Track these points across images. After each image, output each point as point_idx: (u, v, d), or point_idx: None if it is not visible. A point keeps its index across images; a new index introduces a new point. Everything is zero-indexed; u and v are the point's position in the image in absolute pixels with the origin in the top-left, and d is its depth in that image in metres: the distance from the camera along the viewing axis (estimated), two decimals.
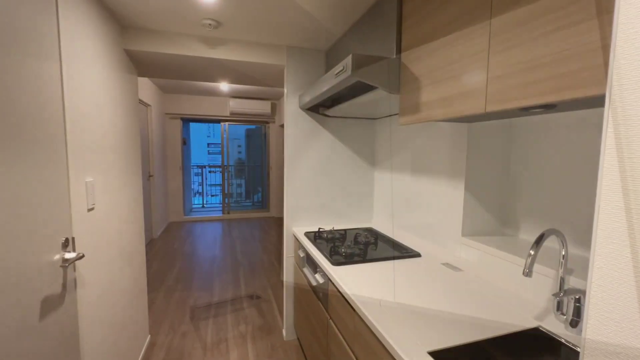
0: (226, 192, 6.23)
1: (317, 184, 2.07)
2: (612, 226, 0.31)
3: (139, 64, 2.04)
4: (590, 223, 1.05)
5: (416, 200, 1.71)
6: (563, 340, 0.86)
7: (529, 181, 1.29)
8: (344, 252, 1.49)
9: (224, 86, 4.71)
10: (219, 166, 6.25)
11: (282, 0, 1.43)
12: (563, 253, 0.90)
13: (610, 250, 0.31)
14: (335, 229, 1.98)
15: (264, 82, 2.57)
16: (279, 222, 5.85)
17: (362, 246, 1.61)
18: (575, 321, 0.87)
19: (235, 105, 5.48)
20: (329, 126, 2.07)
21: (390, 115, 1.96)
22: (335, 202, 2.12)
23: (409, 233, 1.77)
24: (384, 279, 1.22)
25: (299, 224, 2.06)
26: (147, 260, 3.67)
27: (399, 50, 1.25)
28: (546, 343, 0.89)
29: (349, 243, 1.66)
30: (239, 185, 7.85)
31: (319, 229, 1.86)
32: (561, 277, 0.90)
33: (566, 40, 0.62)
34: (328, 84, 1.41)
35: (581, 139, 1.07)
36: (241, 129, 7.94)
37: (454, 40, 0.94)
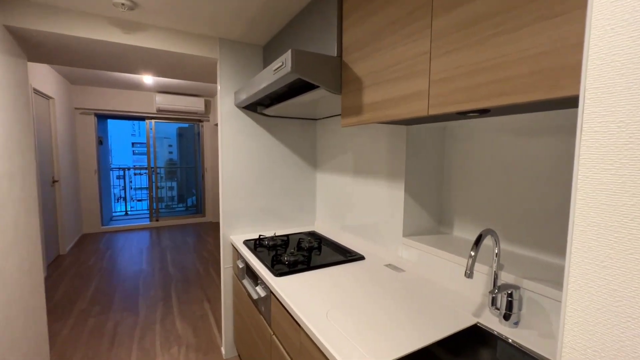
0: (154, 196, 5.62)
1: (256, 187, 1.94)
2: (589, 245, 0.29)
3: (28, 46, 1.66)
4: (518, 221, 1.14)
5: (358, 202, 1.70)
6: (495, 333, 0.90)
7: (460, 181, 1.36)
8: (286, 261, 1.40)
9: (149, 79, 4.22)
10: (146, 168, 5.61)
11: None
12: (496, 251, 0.94)
13: (585, 272, 0.29)
14: (277, 234, 1.88)
15: (194, 77, 2.33)
16: (216, 227, 5.49)
17: (305, 252, 1.54)
18: (508, 314, 0.92)
19: (163, 101, 4.97)
20: (267, 126, 1.96)
21: (331, 116, 1.93)
22: (276, 206, 2.02)
23: (353, 235, 1.76)
24: (330, 287, 1.17)
25: (237, 231, 1.91)
26: (52, 282, 3.08)
27: (340, 49, 1.20)
28: (484, 338, 0.93)
29: (292, 250, 1.57)
30: (171, 189, 7.18)
31: (260, 236, 1.74)
32: (495, 272, 0.95)
33: (505, 46, 0.63)
34: (266, 80, 1.30)
35: (505, 142, 1.16)
36: (172, 127, 7.26)
37: (396, 41, 0.92)
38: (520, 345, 0.85)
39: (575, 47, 0.53)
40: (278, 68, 1.17)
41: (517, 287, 0.91)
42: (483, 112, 0.89)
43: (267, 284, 1.28)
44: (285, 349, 1.15)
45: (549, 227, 1.05)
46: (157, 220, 5.62)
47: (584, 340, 0.28)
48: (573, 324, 0.29)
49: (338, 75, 1.18)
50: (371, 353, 0.79)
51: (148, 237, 4.78)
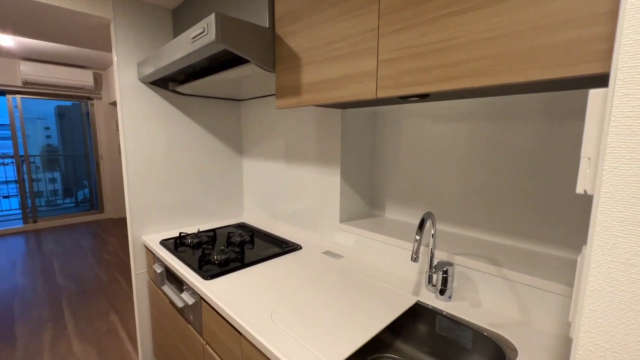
0: (28, 191, 4.51)
1: (171, 178, 1.68)
2: (613, 242, 0.27)
3: None
4: (444, 201, 1.22)
5: (291, 189, 1.62)
6: (433, 308, 0.96)
7: (390, 165, 1.40)
8: (216, 260, 1.25)
9: (7, 40, 3.25)
10: (12, 156, 4.44)
11: None
12: (432, 232, 0.99)
13: (608, 270, 0.27)
14: (201, 230, 1.68)
15: (78, 41, 1.85)
16: (119, 224, 4.74)
17: (237, 248, 1.40)
18: (443, 290, 0.98)
19: (31, 71, 3.93)
20: (182, 106, 1.69)
21: (259, 97, 1.77)
22: (198, 198, 1.79)
23: (286, 224, 1.68)
24: (270, 284, 1.08)
25: (150, 229, 1.63)
26: None
27: (272, 20, 1.07)
28: (424, 314, 0.97)
29: (221, 247, 1.41)
30: (53, 181, 5.86)
31: (181, 233, 1.51)
32: (431, 252, 1.00)
33: (460, 27, 0.61)
34: (181, 51, 1.08)
35: (426, 128, 1.22)
36: (48, 105, 5.86)
37: (339, 15, 0.84)
38: (454, 317, 0.91)
39: (528, 32, 0.54)
40: (198, 36, 0.97)
41: (450, 264, 0.98)
42: (424, 96, 0.89)
43: (195, 289, 1.11)
44: (222, 359, 1.03)
45: (472, 206, 1.16)
46: (34, 222, 4.55)
47: (602, 341, 0.27)
48: (590, 325, 0.27)
49: (271, 50, 1.05)
50: (326, 353, 0.74)
51: (23, 244, 3.83)
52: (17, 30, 1.68)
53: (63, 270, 3.05)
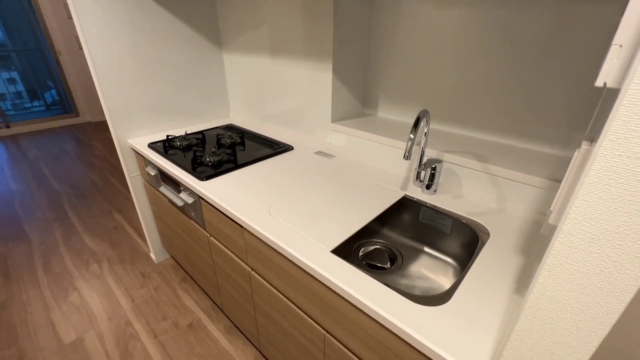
0: None
1: (148, 76, 1.53)
2: (627, 135, 0.26)
3: None
4: (438, 98, 1.19)
5: (280, 87, 1.53)
6: (418, 200, 1.04)
7: (385, 60, 1.30)
8: (209, 162, 1.26)
9: None
10: None
11: None
12: (425, 130, 0.99)
13: (611, 164, 0.27)
14: (188, 133, 1.63)
15: None
16: (99, 128, 4.57)
17: (229, 150, 1.39)
18: (430, 184, 1.04)
19: None
20: None
21: None
22: (180, 98, 1.68)
23: (276, 125, 1.65)
24: (264, 183, 1.12)
25: (135, 133, 1.57)
26: None
27: None
28: (410, 206, 1.06)
29: (213, 149, 1.40)
30: (12, 82, 5.30)
31: (168, 136, 1.47)
32: (422, 150, 1.02)
33: None
34: None
35: (427, 14, 1.08)
36: None
37: None
38: (437, 207, 1.00)
39: None
40: None
41: (439, 161, 1.02)
42: None
43: (192, 189, 1.15)
44: (228, 248, 1.15)
45: (467, 104, 1.13)
46: (8, 127, 4.33)
47: (585, 226, 0.29)
48: (578, 213, 0.29)
49: None
50: (321, 240, 0.82)
51: (3, 150, 3.72)
52: None
53: (55, 174, 3.07)
